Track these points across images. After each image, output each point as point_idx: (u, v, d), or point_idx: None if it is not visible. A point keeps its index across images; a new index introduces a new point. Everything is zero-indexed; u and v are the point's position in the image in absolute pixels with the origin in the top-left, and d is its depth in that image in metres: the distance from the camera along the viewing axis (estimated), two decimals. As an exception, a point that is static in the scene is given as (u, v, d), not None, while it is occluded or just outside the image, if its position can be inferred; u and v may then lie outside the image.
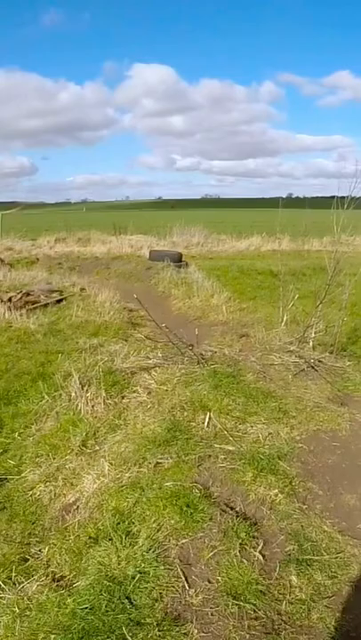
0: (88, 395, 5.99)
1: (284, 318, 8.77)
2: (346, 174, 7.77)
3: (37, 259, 22.09)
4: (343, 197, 8.08)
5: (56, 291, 14.09)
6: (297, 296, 8.98)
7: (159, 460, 4.73)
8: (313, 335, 7.89)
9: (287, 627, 3.24)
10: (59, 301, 13.11)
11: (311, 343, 7.82)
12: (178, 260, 18.62)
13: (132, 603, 3.37)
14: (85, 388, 6.07)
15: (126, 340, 9.16)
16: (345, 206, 8.01)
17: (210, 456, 4.75)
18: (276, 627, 3.24)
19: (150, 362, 6.69)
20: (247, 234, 28.46)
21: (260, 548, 3.80)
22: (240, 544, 3.76)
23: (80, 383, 6.12)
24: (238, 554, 3.69)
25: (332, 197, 8.21)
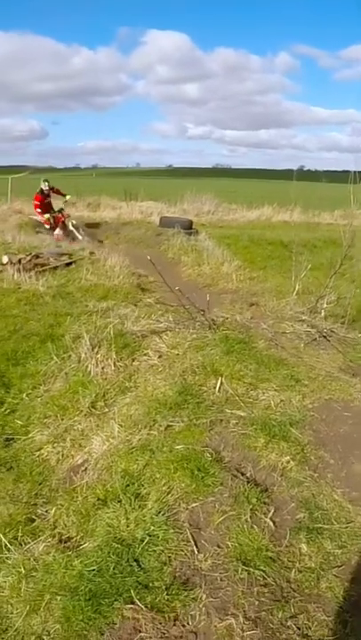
0: (98, 356, 5.96)
1: (297, 287, 8.71)
2: (359, 149, 7.67)
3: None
4: (356, 172, 8.04)
5: (65, 254, 14.04)
6: (310, 266, 8.93)
7: (170, 423, 4.70)
8: (325, 306, 7.84)
9: (296, 595, 3.23)
10: (68, 265, 13.06)
11: (323, 313, 7.77)
12: (188, 227, 18.54)
13: (140, 566, 3.36)
14: (96, 350, 6.03)
15: (136, 305, 9.13)
16: (359, 180, 7.97)
17: (221, 421, 4.72)
18: (285, 594, 3.23)
19: (161, 325, 6.65)
20: (258, 204, 28.34)
21: (270, 514, 3.77)
22: (251, 510, 3.73)
23: (90, 344, 6.08)
24: (249, 519, 3.67)
25: (345, 172, 8.18)
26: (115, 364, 5.89)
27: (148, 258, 7.88)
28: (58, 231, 18.76)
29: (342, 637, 3.01)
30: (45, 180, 19.60)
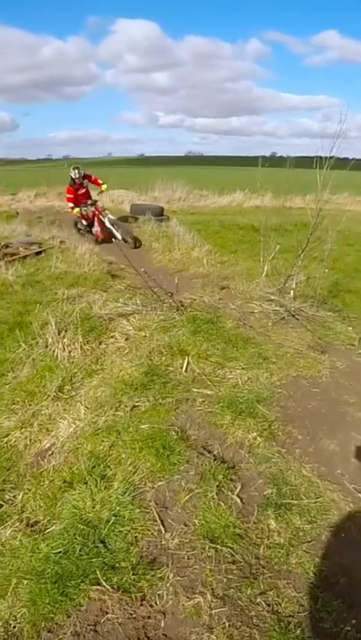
0: (65, 341, 5.92)
1: (265, 269, 8.76)
2: (328, 134, 7.75)
3: (17, 212, 21.79)
4: (323, 157, 8.15)
5: (35, 243, 13.97)
6: (278, 247, 8.96)
7: (136, 404, 4.67)
8: (294, 286, 7.89)
9: (265, 571, 3.22)
10: (38, 253, 12.95)
11: (292, 293, 7.83)
12: (159, 213, 18.55)
13: (106, 547, 3.33)
14: (62, 335, 5.99)
15: (106, 291, 9.10)
16: (325, 166, 8.06)
17: (188, 400, 4.70)
18: (253, 571, 3.21)
19: (129, 308, 6.62)
20: (230, 190, 28.45)
21: (237, 491, 3.76)
22: (217, 487, 3.72)
23: (57, 329, 6.03)
24: (215, 497, 3.65)
25: (316, 157, 8.27)
26: (82, 347, 5.85)
27: (114, 241, 7.91)
28: (96, 228, 15.93)
29: (313, 613, 3.00)
30: (76, 168, 16.19)
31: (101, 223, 15.78)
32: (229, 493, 3.71)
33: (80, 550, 3.28)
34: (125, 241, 15.05)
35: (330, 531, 3.59)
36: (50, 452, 4.64)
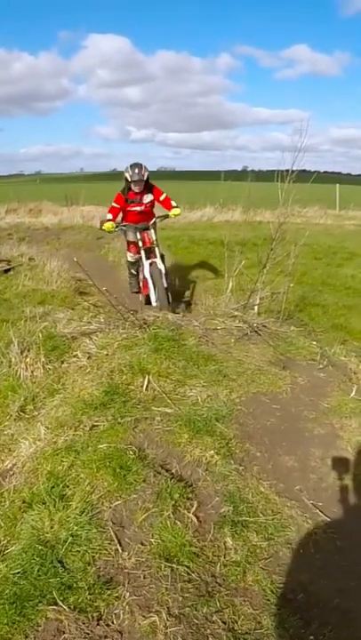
0: (27, 360, 5.90)
1: (230, 285, 8.83)
2: (296, 148, 7.86)
3: (-14, 229, 21.71)
4: (287, 171, 8.31)
5: (4, 260, 13.93)
6: (243, 262, 9.05)
7: (95, 423, 4.68)
8: (258, 301, 7.95)
9: (222, 589, 3.25)
10: (6, 271, 12.94)
11: (256, 309, 7.89)
12: (129, 231, 18.58)
13: (64, 566, 3.35)
14: (25, 354, 5.98)
15: (73, 309, 9.15)
16: (287, 179, 8.20)
17: (146, 418, 4.71)
18: (210, 589, 3.24)
19: (92, 327, 6.62)
20: (200, 205, 28.54)
21: (193, 509, 3.78)
22: (173, 506, 3.73)
23: (19, 349, 6.03)
24: (172, 515, 3.67)
25: (277, 171, 8.44)
26: (44, 366, 5.84)
27: (75, 259, 7.93)
28: (147, 269, 10.05)
29: (270, 630, 3.03)
30: (135, 165, 10.08)
31: (151, 255, 10.23)
32: (186, 512, 3.73)
33: (38, 571, 3.29)
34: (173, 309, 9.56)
35: (287, 547, 3.63)
36: (11, 473, 4.63)
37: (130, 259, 11.14)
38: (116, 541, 3.52)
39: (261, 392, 5.36)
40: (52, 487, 4.01)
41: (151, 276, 10.00)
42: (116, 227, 10.21)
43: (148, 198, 10.48)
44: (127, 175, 10.22)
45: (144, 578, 3.27)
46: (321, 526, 3.87)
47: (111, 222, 10.12)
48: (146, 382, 5.23)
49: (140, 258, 10.52)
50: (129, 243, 10.93)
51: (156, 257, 10.20)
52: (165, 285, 9.88)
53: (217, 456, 4.30)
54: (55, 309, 8.86)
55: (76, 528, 3.60)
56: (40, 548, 3.47)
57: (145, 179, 10.26)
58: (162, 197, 10.64)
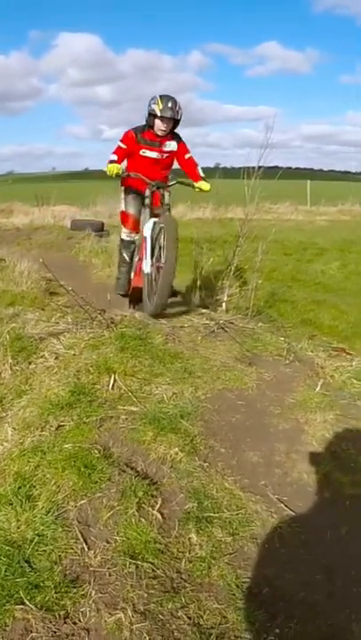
0: (-5, 362, 5.92)
1: (198, 283, 8.87)
2: (267, 145, 7.97)
3: None
4: (253, 168, 8.43)
5: (-29, 262, 13.85)
6: (212, 260, 9.10)
7: (61, 423, 4.69)
8: (225, 298, 8.01)
9: (187, 584, 3.28)
10: (-24, 273, 12.85)
11: (224, 306, 7.95)
12: (100, 229, 18.60)
13: (31, 566, 3.36)
14: (-8, 356, 5.99)
15: (43, 309, 9.10)
16: (253, 176, 8.30)
17: (112, 417, 4.73)
18: (175, 585, 3.27)
19: (60, 327, 6.62)
20: (172, 203, 28.51)
21: (158, 506, 3.80)
22: (137, 503, 3.76)
23: (-14, 351, 6.03)
24: (136, 513, 3.69)
25: (243, 168, 8.56)
26: (11, 368, 5.84)
27: (41, 260, 7.96)
28: (148, 227, 7.76)
29: (236, 624, 3.06)
30: (169, 98, 7.79)
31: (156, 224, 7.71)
32: (150, 509, 3.75)
33: (5, 571, 3.29)
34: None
35: (252, 542, 3.66)
36: (-21, 475, 4.65)
37: (125, 236, 8.72)
38: (81, 540, 3.54)
39: (227, 388, 5.40)
40: (19, 488, 4.01)
41: (153, 238, 7.55)
42: (123, 173, 7.94)
43: (170, 146, 8.05)
44: (154, 107, 7.73)
45: (109, 575, 3.30)
46: (286, 520, 3.91)
47: (117, 165, 7.85)
48: (112, 381, 5.25)
49: (140, 232, 8.21)
50: (127, 215, 8.59)
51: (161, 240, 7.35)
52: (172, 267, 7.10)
53: (181, 453, 4.33)
54: (25, 310, 8.81)
55: (42, 528, 3.61)
56: (7, 548, 3.47)
57: (178, 117, 7.88)
58: (187, 156, 8.23)
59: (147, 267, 7.65)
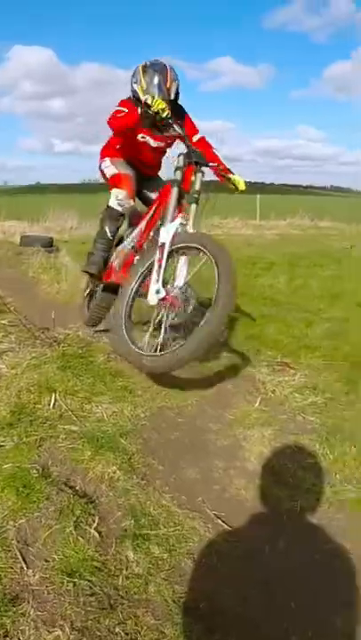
0: None
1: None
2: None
3: None
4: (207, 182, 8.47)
5: None
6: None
7: (1, 443, 4.71)
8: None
9: (124, 601, 3.31)
10: None
11: (170, 322, 7.97)
12: (49, 244, 18.52)
13: (-30, 587, 3.37)
14: None
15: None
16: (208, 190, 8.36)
17: (52, 437, 4.76)
18: (112, 602, 3.30)
19: (3, 346, 6.62)
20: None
21: (95, 524, 3.83)
22: (75, 522, 3.79)
23: None
24: (73, 531, 3.72)
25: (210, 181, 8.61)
26: None
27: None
28: (168, 231, 5.39)
29: (173, 639, 3.11)
30: (156, 69, 5.98)
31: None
32: (87, 527, 3.78)
33: None
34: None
35: (190, 558, 3.72)
36: None
37: (114, 203, 6.48)
38: (20, 559, 3.54)
39: (167, 406, 5.48)
40: None
41: (173, 252, 5.38)
42: (168, 116, 5.70)
43: (175, 129, 5.98)
44: (136, 88, 6.05)
45: (48, 593, 3.32)
46: (223, 536, 3.98)
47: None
48: (53, 401, 5.28)
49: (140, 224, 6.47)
50: (119, 175, 6.51)
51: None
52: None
53: (119, 471, 4.38)
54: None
55: (-19, 549, 3.64)
56: None
57: (172, 97, 6.04)
58: (196, 137, 6.36)
59: (155, 294, 5.33)
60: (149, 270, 5.51)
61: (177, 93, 6.14)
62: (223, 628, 3.25)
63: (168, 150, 6.63)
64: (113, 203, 6.48)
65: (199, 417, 5.38)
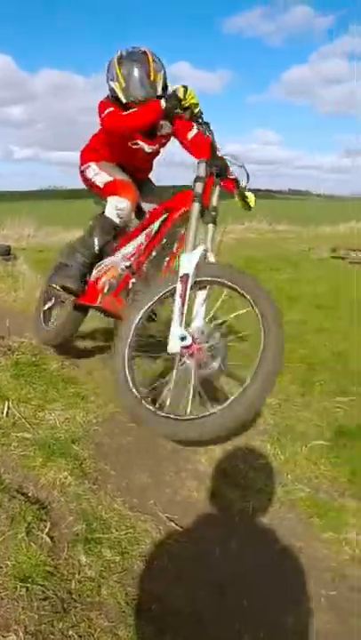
0: None
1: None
2: (173, 163, 7.87)
3: None
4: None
5: None
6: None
7: None
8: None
9: (77, 604, 3.36)
10: None
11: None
12: (6, 253, 18.42)
13: None
14: None
15: None
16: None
17: (4, 444, 4.79)
18: (65, 605, 3.34)
19: None
20: (79, 225, 28.33)
21: (47, 530, 3.87)
22: (26, 528, 3.82)
23: None
24: (26, 537, 3.74)
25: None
26: None
27: None
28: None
29: (126, 640, 3.16)
30: (133, 58, 5.17)
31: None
32: (40, 533, 3.81)
33: None
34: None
35: (142, 560, 3.77)
36: None
37: (111, 211, 5.61)
38: (-25, 567, 3.60)
39: (119, 412, 5.52)
40: None
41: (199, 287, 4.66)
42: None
43: (166, 127, 5.49)
44: (114, 86, 5.26)
45: (1, 599, 3.34)
46: (175, 538, 4.04)
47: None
48: (6, 409, 5.30)
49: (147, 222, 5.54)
50: (114, 181, 5.69)
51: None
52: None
53: (70, 477, 4.42)
54: None
55: None
56: None
57: (159, 93, 5.20)
58: (191, 134, 5.41)
59: (178, 340, 4.39)
60: (158, 303, 4.84)
61: (165, 87, 5.27)
62: (174, 628, 3.31)
63: (162, 150, 5.86)
64: (111, 212, 5.61)
65: (151, 422, 5.44)
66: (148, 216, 5.68)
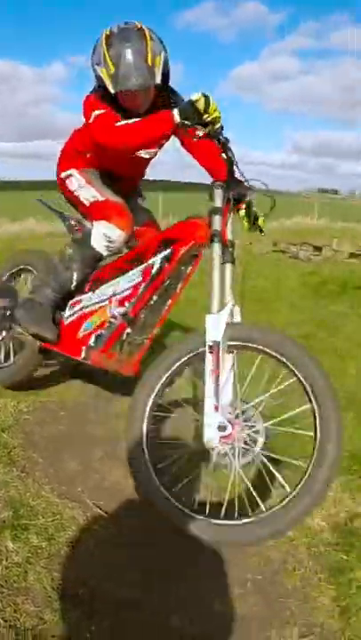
0: None
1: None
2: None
3: None
4: None
5: None
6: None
7: None
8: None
9: (3, 590, 3.39)
10: None
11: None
12: None
13: None
14: None
15: None
16: None
17: None
18: (-9, 592, 3.39)
19: None
20: (23, 217, 28.11)
21: (-28, 518, 3.92)
22: None
23: None
24: None
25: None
26: None
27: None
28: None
29: (52, 625, 3.20)
30: (118, 44, 3.88)
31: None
32: (-35, 522, 3.87)
33: None
34: None
35: (68, 546, 3.83)
36: None
37: (102, 246, 4.64)
38: None
39: (51, 400, 5.63)
40: None
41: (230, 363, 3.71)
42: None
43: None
44: (101, 74, 4.09)
45: None
46: (102, 524, 4.09)
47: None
48: None
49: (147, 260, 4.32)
50: (106, 202, 4.66)
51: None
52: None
53: (-1, 465, 4.48)
54: None
55: None
56: None
57: (157, 80, 4.11)
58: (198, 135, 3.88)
59: (216, 430, 3.53)
60: (177, 372, 3.95)
61: (166, 74, 4.15)
62: (101, 612, 3.36)
63: (160, 153, 4.87)
64: (98, 242, 4.61)
65: (82, 410, 5.50)
66: (139, 244, 4.71)
